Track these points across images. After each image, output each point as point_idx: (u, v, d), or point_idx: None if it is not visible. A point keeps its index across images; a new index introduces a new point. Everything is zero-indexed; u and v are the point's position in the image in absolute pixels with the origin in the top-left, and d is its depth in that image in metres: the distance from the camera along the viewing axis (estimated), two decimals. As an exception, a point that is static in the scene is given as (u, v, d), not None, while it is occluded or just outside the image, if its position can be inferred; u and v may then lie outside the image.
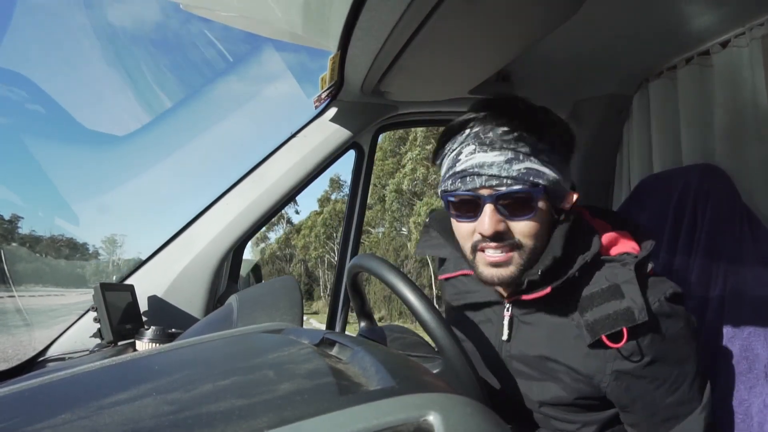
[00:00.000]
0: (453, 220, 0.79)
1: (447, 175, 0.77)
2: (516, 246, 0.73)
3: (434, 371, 0.69)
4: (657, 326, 0.71)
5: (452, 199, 0.75)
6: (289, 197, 1.38)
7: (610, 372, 0.72)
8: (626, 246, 0.77)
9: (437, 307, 0.70)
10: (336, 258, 1.64)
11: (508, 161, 0.71)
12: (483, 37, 0.99)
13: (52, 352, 1.14)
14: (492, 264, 0.74)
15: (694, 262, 1.10)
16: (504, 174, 0.70)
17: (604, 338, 0.70)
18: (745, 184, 1.12)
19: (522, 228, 0.72)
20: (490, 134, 0.72)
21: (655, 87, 1.41)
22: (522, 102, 0.77)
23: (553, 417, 0.81)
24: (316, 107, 1.35)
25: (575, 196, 0.78)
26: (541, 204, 0.73)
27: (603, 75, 1.46)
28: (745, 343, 0.96)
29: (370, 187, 1.59)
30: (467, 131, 0.75)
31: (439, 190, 0.82)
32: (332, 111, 1.42)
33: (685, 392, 0.74)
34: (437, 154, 0.82)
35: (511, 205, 0.72)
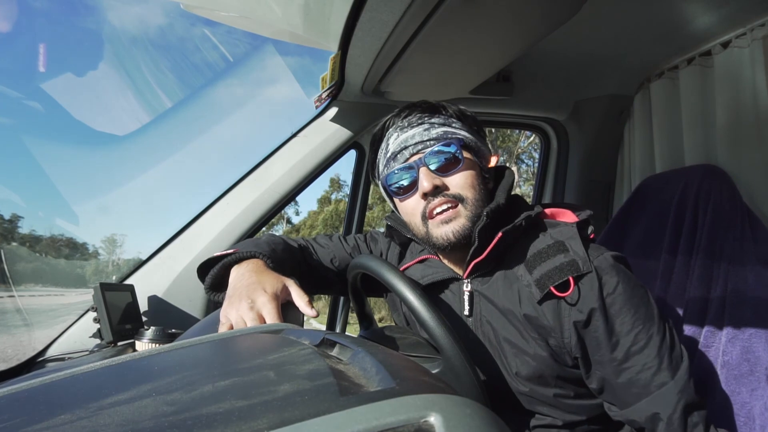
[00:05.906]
0: (400, 204, 0.86)
1: (383, 167, 0.87)
2: (458, 198, 0.80)
3: (434, 371, 0.69)
4: (601, 279, 0.75)
5: (393, 181, 0.84)
6: (290, 197, 1.38)
7: (569, 326, 0.75)
8: (569, 217, 0.84)
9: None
10: (336, 258, 1.62)
11: (426, 130, 0.83)
12: (483, 38, 0.99)
13: (52, 352, 1.14)
14: (443, 221, 0.80)
15: (695, 263, 1.10)
16: (425, 138, 0.82)
17: (552, 289, 0.74)
18: (746, 184, 1.12)
19: (457, 181, 0.81)
20: (406, 120, 0.86)
21: (657, 87, 1.41)
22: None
23: (531, 397, 0.80)
24: (317, 107, 1.35)
25: (496, 158, 0.89)
26: (466, 155, 0.82)
27: (604, 75, 1.45)
28: (746, 344, 0.96)
29: (371, 187, 1.59)
30: (389, 129, 0.88)
31: (383, 190, 0.90)
32: (333, 111, 1.41)
33: (650, 357, 0.72)
34: (374, 165, 0.92)
35: (441, 165, 0.81)
